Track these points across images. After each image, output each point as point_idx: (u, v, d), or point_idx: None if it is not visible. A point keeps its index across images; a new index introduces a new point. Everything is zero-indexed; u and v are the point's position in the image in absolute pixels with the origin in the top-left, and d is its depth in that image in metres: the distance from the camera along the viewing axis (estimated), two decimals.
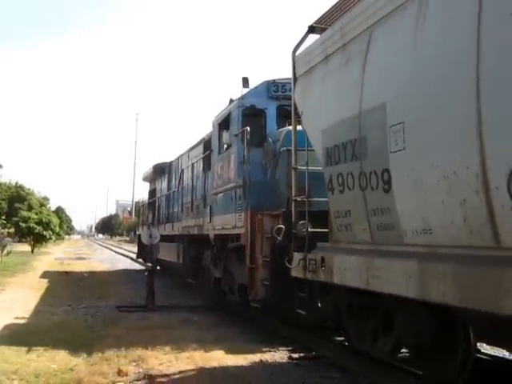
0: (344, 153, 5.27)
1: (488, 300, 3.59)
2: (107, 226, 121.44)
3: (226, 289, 10.18)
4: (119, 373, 5.97)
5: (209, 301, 11.39)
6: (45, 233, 35.02)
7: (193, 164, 13.33)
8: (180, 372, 6.12)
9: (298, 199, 6.57)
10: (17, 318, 9.52)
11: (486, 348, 6.35)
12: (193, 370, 6.22)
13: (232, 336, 8.01)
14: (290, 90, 7.44)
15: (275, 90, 9.39)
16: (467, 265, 3.79)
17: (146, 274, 11.61)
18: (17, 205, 43.65)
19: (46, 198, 58.29)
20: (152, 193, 20.99)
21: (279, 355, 6.92)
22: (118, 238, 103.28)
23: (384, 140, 4.55)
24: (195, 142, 13.78)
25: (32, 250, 34.30)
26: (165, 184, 17.95)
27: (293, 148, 6.79)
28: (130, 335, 7.84)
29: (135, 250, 25.09)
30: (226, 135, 9.74)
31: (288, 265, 6.56)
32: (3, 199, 44.56)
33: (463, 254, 3.85)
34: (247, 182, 8.59)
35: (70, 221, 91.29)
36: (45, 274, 18.75)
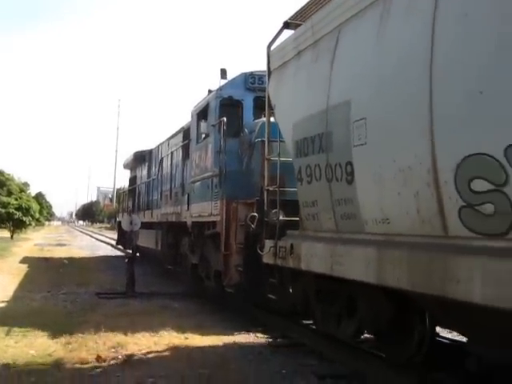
0: (312, 146, 5.53)
1: (436, 285, 3.88)
2: (88, 213, 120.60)
3: (202, 275, 10.44)
4: (98, 359, 6.03)
5: (189, 288, 11.55)
6: (24, 218, 34.81)
7: (172, 152, 13.52)
8: (159, 358, 6.20)
9: (271, 189, 6.82)
10: None
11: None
12: (172, 356, 6.30)
13: (212, 323, 8.14)
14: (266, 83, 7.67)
15: (252, 81, 9.61)
16: (419, 252, 4.09)
17: (127, 260, 11.74)
18: None
19: (26, 184, 57.69)
20: (132, 180, 21.09)
21: (259, 342, 7.08)
22: (98, 224, 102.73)
23: (348, 134, 4.82)
24: (175, 131, 13.96)
25: (11, 236, 34.20)
26: (145, 171, 18.09)
27: (266, 139, 7.03)
28: (109, 321, 7.89)
29: (116, 236, 25.19)
30: (203, 125, 9.95)
31: (260, 252, 6.83)
32: None
33: (416, 242, 4.14)
34: (223, 171, 8.85)
35: (51, 207, 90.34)
36: (24, 260, 18.79)
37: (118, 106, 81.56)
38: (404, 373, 5.30)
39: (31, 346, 6.64)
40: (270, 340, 7.19)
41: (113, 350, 6.46)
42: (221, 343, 6.96)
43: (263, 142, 7.50)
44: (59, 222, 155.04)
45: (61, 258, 19.97)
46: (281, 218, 6.57)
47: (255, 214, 7.34)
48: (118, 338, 6.95)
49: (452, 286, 3.70)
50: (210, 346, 6.78)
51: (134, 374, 5.52)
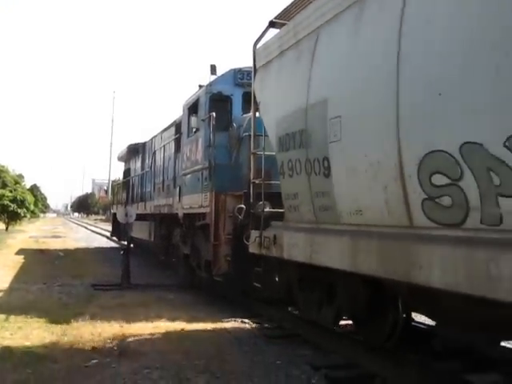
0: (293, 141, 5.84)
1: (402, 271, 4.21)
2: (83, 205, 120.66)
3: (193, 264, 10.74)
4: (93, 350, 6.07)
5: (183, 279, 11.68)
6: (19, 211, 34.95)
7: (164, 145, 13.81)
8: (155, 349, 6.22)
9: (257, 182, 7.13)
10: None
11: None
12: (167, 347, 6.33)
13: (207, 314, 8.23)
14: None
15: (241, 77, 9.90)
16: (387, 241, 4.42)
17: (122, 252, 11.85)
18: None
19: (20, 176, 57.70)
20: (126, 172, 21.35)
21: (254, 333, 7.15)
22: (93, 216, 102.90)
23: (325, 131, 5.13)
24: (168, 124, 14.23)
25: (6, 228, 34.40)
26: (139, 164, 18.36)
27: (252, 134, 7.34)
28: (104, 313, 7.94)
29: (111, 228, 25.46)
30: (194, 119, 10.24)
31: (246, 242, 7.16)
32: None
33: (385, 232, 4.46)
34: (213, 164, 9.15)
35: (46, 199, 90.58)
36: (19, 252, 18.89)
37: (113, 98, 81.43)
38: (399, 363, 5.43)
39: (27, 337, 6.68)
40: (265, 331, 7.27)
41: (108, 341, 6.52)
42: (216, 334, 7.06)
43: (250, 136, 7.81)
44: (54, 214, 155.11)
45: (56, 250, 20.10)
46: (266, 209, 6.87)
47: (242, 205, 7.66)
48: (114, 329, 7.02)
49: (415, 271, 4.03)
50: (205, 337, 6.86)
51: (129, 366, 5.56)
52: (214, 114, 9.17)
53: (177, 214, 11.36)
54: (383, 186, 4.41)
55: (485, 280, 3.38)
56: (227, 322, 7.85)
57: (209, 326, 7.51)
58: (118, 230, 20.38)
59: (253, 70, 7.32)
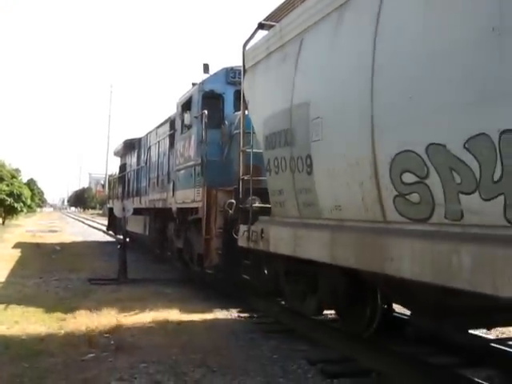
0: (279, 140, 6.12)
1: (376, 263, 4.51)
2: (80, 199, 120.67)
3: (187, 258, 11.03)
4: (90, 344, 6.10)
5: (180, 274, 11.79)
6: (16, 205, 34.99)
7: (159, 141, 14.07)
8: (152, 343, 6.23)
9: (245, 178, 7.42)
10: None
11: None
12: (164, 341, 6.34)
13: (204, 309, 8.29)
14: None
15: (233, 76, 10.17)
16: (364, 235, 4.71)
17: (119, 247, 11.92)
18: None
19: (17, 170, 57.72)
20: (122, 167, 21.56)
21: (251, 328, 7.18)
22: (90, 211, 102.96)
23: (307, 131, 5.42)
24: (163, 120, 14.48)
25: (3, 222, 34.61)
26: (134, 159, 18.59)
27: (241, 132, 7.62)
28: (101, 307, 7.96)
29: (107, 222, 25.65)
30: (187, 116, 10.51)
31: (235, 235, 7.46)
32: None
33: (361, 227, 4.76)
34: (205, 160, 9.44)
35: (42, 193, 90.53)
36: (16, 246, 18.96)
37: (111, 92, 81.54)
38: (394, 356, 5.59)
39: (23, 331, 6.73)
40: (262, 325, 7.31)
41: (105, 335, 6.54)
42: (213, 328, 7.12)
43: None
44: (51, 209, 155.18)
45: (53, 244, 20.14)
46: (254, 204, 7.16)
47: (233, 200, 7.95)
48: (111, 323, 7.04)
49: (388, 263, 4.33)
50: (202, 332, 6.91)
51: (126, 360, 5.57)
52: (206, 111, 9.45)
53: (171, 208, 11.64)
54: (359, 183, 4.70)
55: (446, 270, 3.68)
56: (224, 316, 8.00)
57: (205, 320, 7.63)
58: (114, 225, 20.68)
59: (242, 70, 7.59)
